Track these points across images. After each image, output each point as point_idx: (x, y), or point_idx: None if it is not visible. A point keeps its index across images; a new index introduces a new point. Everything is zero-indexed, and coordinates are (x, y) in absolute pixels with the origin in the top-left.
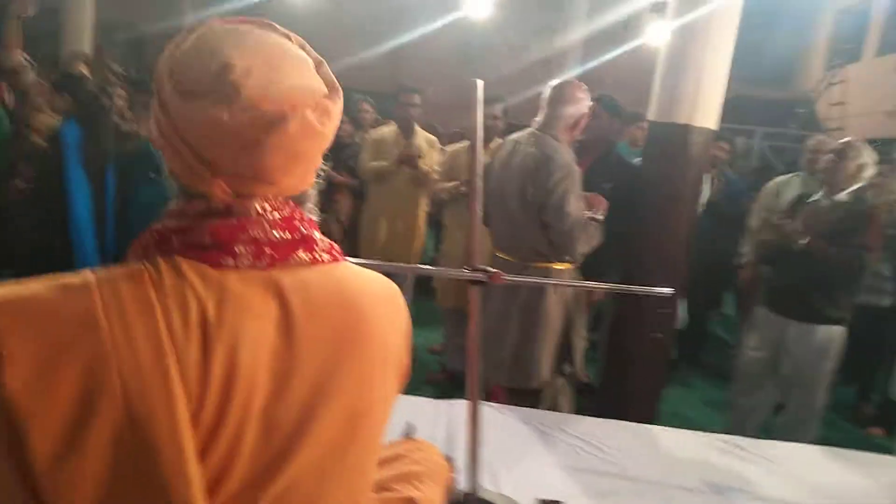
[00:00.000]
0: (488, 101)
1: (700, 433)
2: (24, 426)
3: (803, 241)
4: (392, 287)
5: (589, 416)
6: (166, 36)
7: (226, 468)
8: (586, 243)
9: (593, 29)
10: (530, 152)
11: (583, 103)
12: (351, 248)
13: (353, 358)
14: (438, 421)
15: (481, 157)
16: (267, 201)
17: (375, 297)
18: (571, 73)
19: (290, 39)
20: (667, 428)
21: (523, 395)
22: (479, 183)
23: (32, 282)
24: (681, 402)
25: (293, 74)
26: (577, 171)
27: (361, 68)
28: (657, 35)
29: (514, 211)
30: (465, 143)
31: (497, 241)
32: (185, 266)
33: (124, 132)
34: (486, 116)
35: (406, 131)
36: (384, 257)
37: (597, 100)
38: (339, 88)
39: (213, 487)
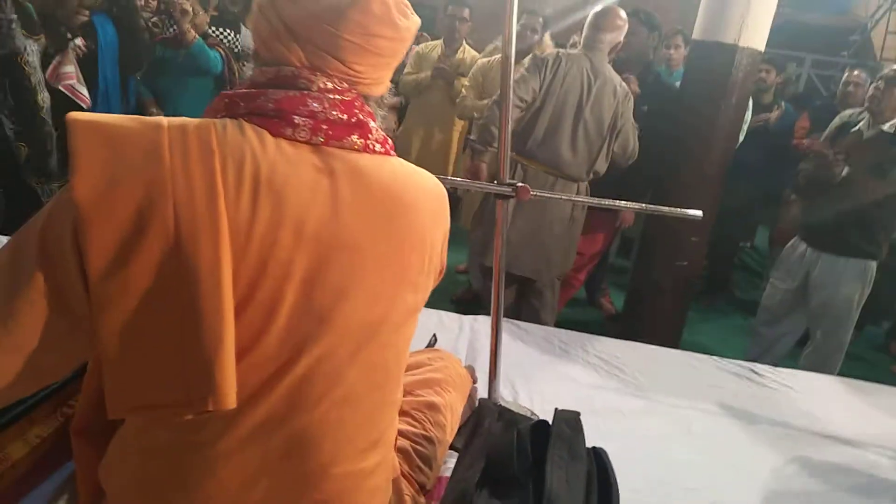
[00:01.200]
0: (531, 14)
1: (720, 358)
2: (86, 231)
3: (841, 171)
4: (438, 185)
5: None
6: None
7: (265, 324)
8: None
9: None
10: (609, 79)
11: (622, 30)
12: None
13: (395, 242)
14: (462, 335)
15: (511, 71)
16: (331, 81)
17: (422, 191)
18: None
19: None
20: (688, 353)
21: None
22: (511, 98)
23: (113, 115)
24: (705, 332)
25: None
26: None
27: None
28: None
29: (580, 133)
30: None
31: (543, 157)
32: (248, 128)
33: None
34: (525, 29)
35: (450, 46)
36: None
37: (633, 14)
38: (418, 18)
39: (250, 344)
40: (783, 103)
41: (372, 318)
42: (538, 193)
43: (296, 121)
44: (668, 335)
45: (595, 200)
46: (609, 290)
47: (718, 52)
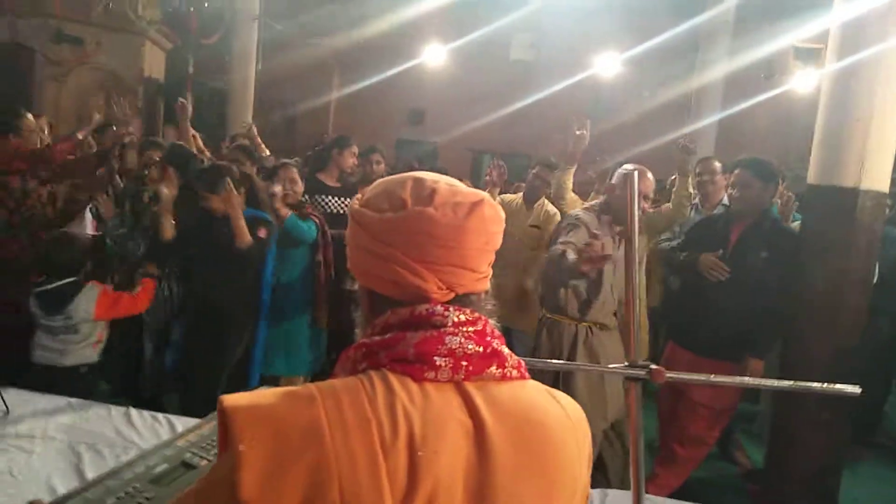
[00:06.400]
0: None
1: None
2: None
3: None
4: (578, 411)
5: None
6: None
7: None
8: None
9: (729, 77)
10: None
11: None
12: None
13: (544, 481)
14: None
15: (636, 250)
16: (463, 313)
17: (564, 418)
18: (709, 122)
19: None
20: None
21: None
22: (636, 277)
23: (264, 390)
24: (859, 487)
25: (466, 185)
26: None
27: (492, 130)
28: (801, 82)
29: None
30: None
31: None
32: (394, 380)
33: None
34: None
35: (529, 202)
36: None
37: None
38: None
39: None
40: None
41: None
42: (675, 376)
43: (437, 363)
44: (821, 499)
45: (736, 380)
46: (741, 442)
47: (838, 196)
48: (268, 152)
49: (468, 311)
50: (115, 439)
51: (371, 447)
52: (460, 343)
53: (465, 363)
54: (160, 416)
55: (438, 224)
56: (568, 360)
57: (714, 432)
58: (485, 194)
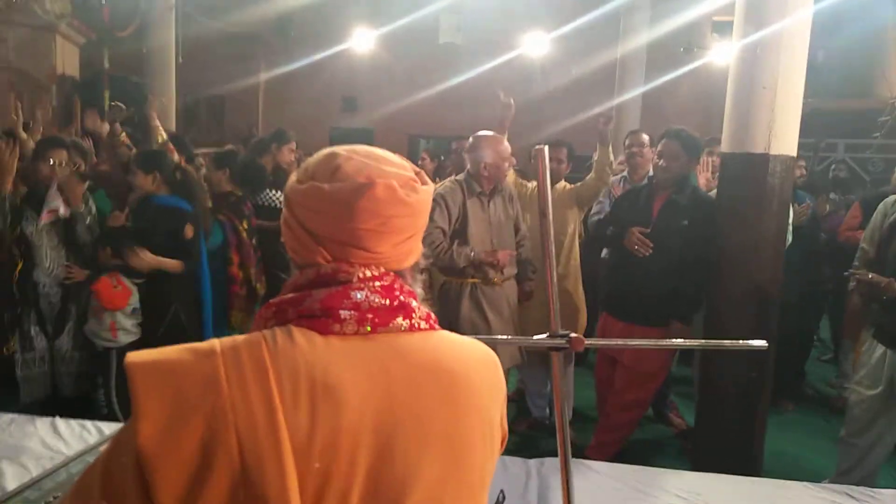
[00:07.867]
0: (554, 144)
1: (811, 485)
2: (153, 475)
3: None
4: (489, 353)
5: (687, 460)
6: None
7: None
8: None
9: (651, 52)
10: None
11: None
12: None
13: (454, 423)
14: (530, 481)
15: (550, 225)
16: (370, 269)
17: (473, 363)
18: (633, 95)
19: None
20: (777, 481)
21: None
22: (553, 248)
23: (169, 347)
24: (787, 438)
25: (386, 162)
26: None
27: (426, 114)
28: (719, 55)
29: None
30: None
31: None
32: (297, 333)
33: None
34: (550, 160)
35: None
36: None
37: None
38: (430, 181)
39: None
40: (807, 200)
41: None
42: (593, 342)
43: (342, 315)
44: (749, 451)
45: (651, 343)
46: (676, 404)
47: (750, 162)
48: (164, 136)
49: (375, 266)
50: (41, 451)
51: (268, 395)
52: (366, 297)
53: (370, 315)
54: (88, 423)
55: (328, 200)
56: (455, 311)
57: (647, 395)
58: (396, 176)
